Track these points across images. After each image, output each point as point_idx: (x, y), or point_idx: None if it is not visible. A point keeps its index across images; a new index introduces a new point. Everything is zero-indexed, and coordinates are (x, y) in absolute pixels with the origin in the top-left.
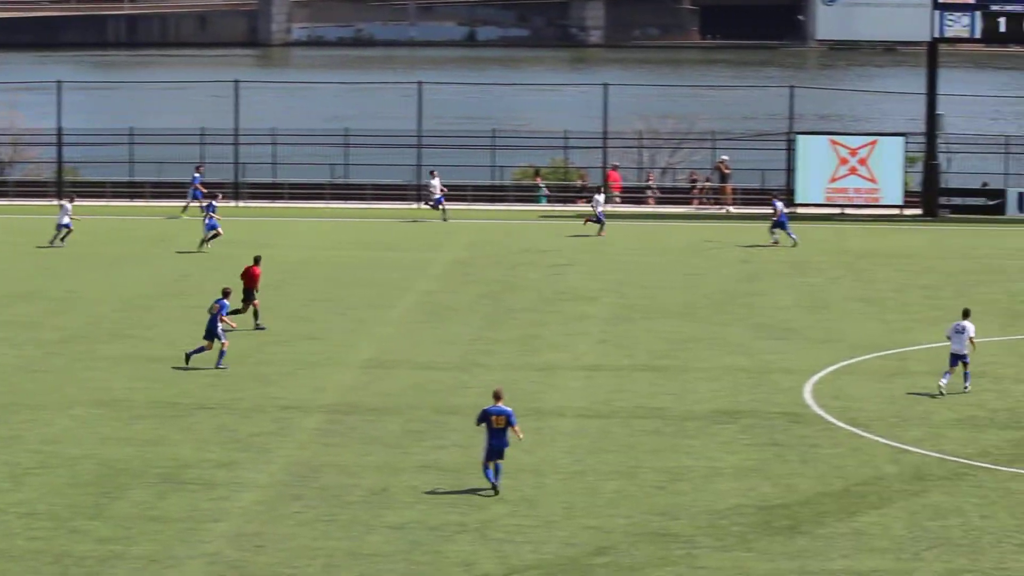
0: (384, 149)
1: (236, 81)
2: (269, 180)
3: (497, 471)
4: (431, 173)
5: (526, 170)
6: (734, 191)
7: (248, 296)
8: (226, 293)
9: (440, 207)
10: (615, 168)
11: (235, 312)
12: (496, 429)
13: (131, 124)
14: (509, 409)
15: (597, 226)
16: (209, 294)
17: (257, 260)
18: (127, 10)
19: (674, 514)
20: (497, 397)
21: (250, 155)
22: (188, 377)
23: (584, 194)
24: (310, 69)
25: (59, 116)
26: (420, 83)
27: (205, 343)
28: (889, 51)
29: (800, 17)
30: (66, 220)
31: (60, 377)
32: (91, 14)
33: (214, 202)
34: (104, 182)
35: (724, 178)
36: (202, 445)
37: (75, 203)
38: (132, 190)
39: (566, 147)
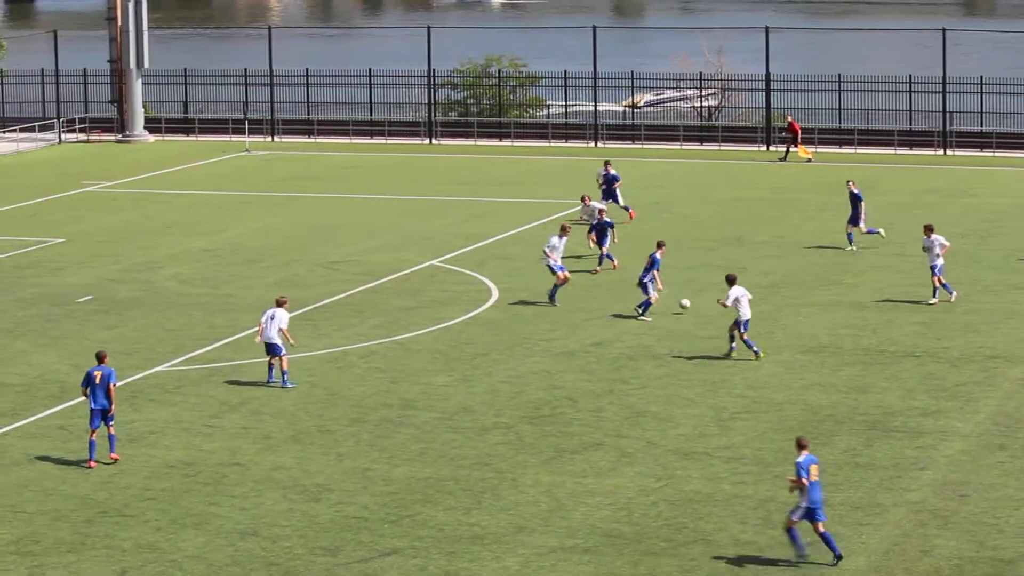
0: None
1: (943, 29)
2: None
3: (826, 540)
4: None
5: None
6: None
7: None
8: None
9: None
10: None
11: None
12: (815, 482)
13: (838, 71)
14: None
15: None
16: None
17: None
18: None
19: None
20: (802, 446)
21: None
22: (894, 325)
23: None
24: None
25: (767, 62)
26: None
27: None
28: None
29: None
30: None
31: (768, 322)
32: None
33: None
34: (811, 128)
35: None
36: (908, 393)
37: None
38: (840, 137)
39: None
